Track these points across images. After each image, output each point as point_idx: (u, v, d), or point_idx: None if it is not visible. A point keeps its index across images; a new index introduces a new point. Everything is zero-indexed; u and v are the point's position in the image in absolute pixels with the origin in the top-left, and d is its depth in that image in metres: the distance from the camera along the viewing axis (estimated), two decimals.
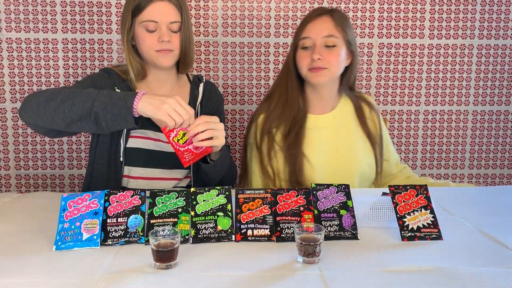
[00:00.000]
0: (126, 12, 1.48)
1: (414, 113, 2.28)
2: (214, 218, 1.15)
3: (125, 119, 1.22)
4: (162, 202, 1.17)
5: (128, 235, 1.12)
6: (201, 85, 1.61)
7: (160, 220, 1.14)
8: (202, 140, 1.25)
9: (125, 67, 1.54)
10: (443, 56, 2.24)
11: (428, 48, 2.23)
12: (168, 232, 1.03)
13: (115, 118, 1.22)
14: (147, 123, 1.51)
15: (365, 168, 1.61)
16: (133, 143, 1.49)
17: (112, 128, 1.25)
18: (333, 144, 1.59)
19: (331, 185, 1.22)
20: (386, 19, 2.19)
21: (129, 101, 1.21)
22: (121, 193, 1.17)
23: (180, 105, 1.21)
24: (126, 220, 1.13)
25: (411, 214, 1.18)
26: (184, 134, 1.25)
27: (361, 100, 1.66)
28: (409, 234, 1.15)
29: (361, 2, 2.17)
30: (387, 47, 2.21)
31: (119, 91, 1.49)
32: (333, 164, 1.58)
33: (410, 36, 2.21)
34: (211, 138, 1.27)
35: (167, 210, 1.16)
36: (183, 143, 1.26)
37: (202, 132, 1.25)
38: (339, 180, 1.51)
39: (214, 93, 1.65)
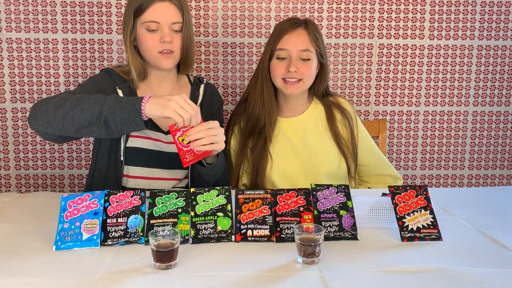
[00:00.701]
0: (128, 13, 1.48)
1: (414, 114, 2.28)
2: (214, 219, 1.16)
3: (134, 121, 1.23)
4: (162, 203, 1.17)
5: (128, 235, 1.12)
6: (202, 86, 1.62)
7: (160, 220, 1.14)
8: (202, 145, 1.26)
9: (126, 68, 1.55)
10: (443, 57, 2.24)
11: (428, 48, 2.23)
12: (168, 233, 1.03)
13: (125, 121, 1.23)
14: (148, 123, 1.52)
15: (333, 169, 1.63)
16: (132, 142, 1.49)
17: (121, 131, 1.26)
18: (299, 146, 1.63)
19: (331, 185, 1.22)
20: (386, 20, 2.19)
21: (137, 104, 1.23)
22: (121, 193, 1.17)
23: (185, 101, 1.22)
24: (126, 220, 1.14)
25: (411, 214, 1.18)
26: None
27: (333, 105, 1.68)
28: (409, 234, 1.15)
29: (361, 2, 2.17)
30: (387, 47, 2.21)
31: (120, 91, 1.50)
32: (297, 165, 1.62)
33: (410, 36, 2.21)
34: (211, 144, 1.27)
35: (167, 211, 1.16)
36: (187, 143, 1.26)
37: (202, 138, 1.25)
38: (305, 179, 1.61)
39: (214, 95, 1.65)
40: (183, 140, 1.26)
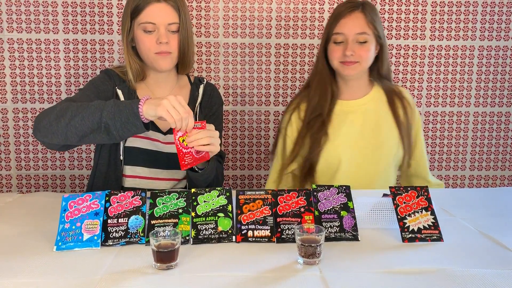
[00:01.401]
0: (125, 14, 1.49)
1: None
2: (214, 219, 1.15)
3: (134, 124, 1.23)
4: (163, 203, 1.17)
5: (128, 236, 1.12)
6: (201, 86, 1.62)
7: (161, 221, 1.14)
8: (202, 145, 1.26)
9: (125, 68, 1.55)
10: (444, 57, 2.24)
11: (429, 49, 2.23)
12: (168, 233, 1.03)
13: (125, 125, 1.23)
14: (149, 125, 1.52)
15: (391, 155, 1.64)
16: (131, 142, 1.50)
17: (123, 135, 1.27)
18: (359, 129, 1.64)
19: (332, 186, 1.22)
20: (387, 21, 2.19)
21: (135, 107, 1.23)
22: (122, 193, 1.17)
23: (179, 102, 1.22)
24: (126, 221, 1.14)
25: (412, 215, 1.18)
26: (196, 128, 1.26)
27: (394, 92, 1.68)
28: (410, 235, 1.15)
29: None
30: (388, 48, 2.21)
31: (120, 91, 1.50)
32: (356, 148, 1.62)
33: (411, 37, 2.21)
34: (208, 145, 1.27)
35: (167, 211, 1.16)
36: (186, 145, 1.26)
37: (202, 138, 1.26)
38: (362, 165, 1.62)
39: (214, 95, 1.65)
40: (183, 141, 1.26)
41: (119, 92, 1.50)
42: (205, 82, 1.64)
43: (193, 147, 1.26)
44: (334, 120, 1.64)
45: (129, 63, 1.51)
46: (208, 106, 1.62)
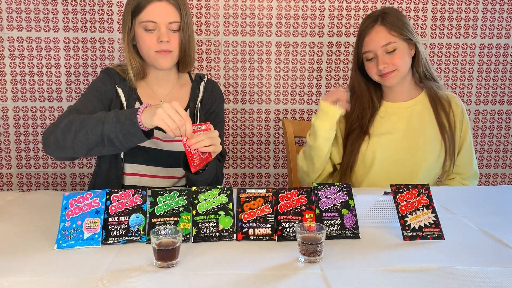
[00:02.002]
0: (126, 12, 1.49)
1: None
2: (215, 217, 1.15)
3: (136, 136, 1.25)
4: (164, 201, 1.17)
5: (129, 234, 1.12)
6: (202, 84, 1.62)
7: (162, 219, 1.14)
8: (205, 146, 1.26)
9: (125, 66, 1.55)
10: (445, 55, 2.24)
11: (430, 47, 2.22)
12: (169, 231, 1.03)
13: (127, 137, 1.25)
14: (151, 132, 1.52)
15: (431, 159, 1.65)
16: None
17: (128, 146, 1.29)
18: (401, 130, 1.66)
19: (333, 184, 1.22)
20: None
21: (134, 118, 1.23)
22: (123, 191, 1.17)
23: (175, 110, 1.20)
24: (127, 219, 1.13)
25: (413, 213, 1.17)
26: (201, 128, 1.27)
27: (439, 99, 1.68)
28: (411, 233, 1.15)
29: (363, 1, 2.16)
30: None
31: (120, 89, 1.50)
32: (394, 149, 1.65)
33: None
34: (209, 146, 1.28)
35: (168, 209, 1.16)
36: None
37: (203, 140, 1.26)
38: (397, 166, 1.64)
39: (214, 91, 1.65)
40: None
41: (120, 90, 1.50)
42: (206, 79, 1.64)
43: (197, 148, 1.26)
44: (377, 120, 1.67)
45: (130, 62, 1.51)
46: (208, 103, 1.62)
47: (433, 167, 1.67)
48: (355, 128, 1.67)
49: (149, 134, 1.28)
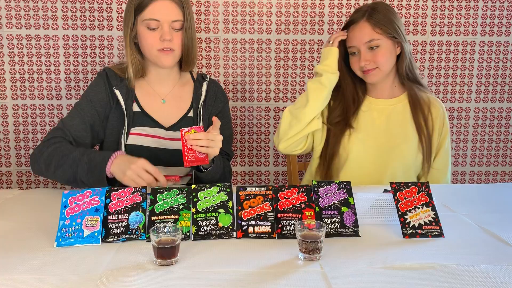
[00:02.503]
0: (128, 10, 1.48)
1: None
2: (215, 215, 1.15)
3: (104, 183, 1.31)
4: (163, 199, 1.17)
5: (129, 232, 1.12)
6: (205, 84, 1.61)
7: (161, 217, 1.14)
8: (200, 146, 1.30)
9: (124, 65, 1.55)
10: (445, 53, 2.24)
11: (430, 45, 2.22)
12: (169, 229, 1.03)
13: (96, 183, 1.31)
14: (147, 120, 1.52)
15: (408, 159, 1.64)
16: (132, 140, 1.50)
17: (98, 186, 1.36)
18: (380, 128, 1.65)
19: (333, 182, 1.22)
20: None
21: (103, 169, 1.30)
22: (122, 189, 1.17)
23: (143, 169, 1.27)
24: (127, 217, 1.13)
25: (413, 211, 1.17)
26: (194, 132, 1.29)
27: (419, 101, 1.67)
28: (411, 231, 1.15)
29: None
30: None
31: (118, 91, 1.49)
32: (369, 145, 1.64)
33: (412, 33, 2.20)
34: (206, 147, 1.31)
35: (168, 207, 1.16)
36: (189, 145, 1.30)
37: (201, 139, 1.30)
38: (371, 163, 1.63)
39: (219, 93, 1.64)
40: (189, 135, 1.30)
41: (117, 92, 1.50)
42: (208, 79, 1.63)
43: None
44: (360, 114, 1.67)
45: (130, 60, 1.51)
46: (214, 106, 1.62)
47: (410, 166, 1.65)
48: (339, 121, 1.66)
49: (113, 181, 1.34)
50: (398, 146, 1.63)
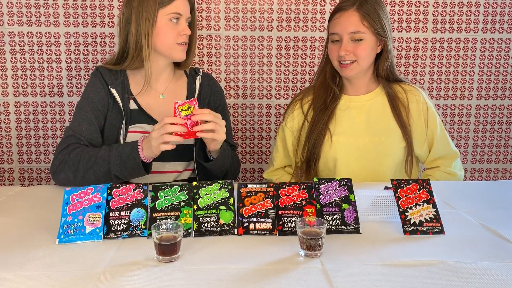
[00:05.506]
0: (149, 5, 1.47)
1: None
2: (216, 212, 1.16)
3: (139, 173, 1.37)
4: (165, 196, 1.17)
5: (130, 229, 1.12)
6: (198, 78, 1.62)
7: (163, 214, 1.14)
8: (205, 131, 1.29)
9: (113, 60, 1.55)
10: (446, 50, 2.23)
11: (431, 42, 2.22)
12: (170, 226, 1.03)
13: (130, 174, 1.37)
14: (144, 118, 1.52)
15: (396, 153, 1.60)
16: (131, 137, 1.50)
17: (133, 178, 1.42)
18: (361, 125, 1.61)
19: (334, 179, 1.22)
20: (390, 13, 2.18)
21: (136, 158, 1.34)
22: (124, 186, 1.17)
23: (158, 129, 1.29)
24: (128, 214, 1.14)
25: (414, 208, 1.18)
26: (188, 107, 1.28)
27: (399, 91, 1.63)
28: (411, 228, 1.15)
29: None
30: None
31: (114, 90, 1.49)
32: (355, 144, 1.60)
33: (413, 30, 2.20)
34: (212, 131, 1.30)
35: (169, 204, 1.16)
36: (184, 116, 1.28)
37: (207, 122, 1.29)
38: (361, 161, 1.60)
39: (213, 86, 1.65)
40: (182, 110, 1.28)
41: (114, 91, 1.50)
42: (201, 73, 1.64)
43: (189, 119, 1.28)
44: (337, 115, 1.62)
45: (145, 53, 1.49)
46: (211, 101, 1.63)
47: (401, 160, 1.61)
48: (320, 114, 1.62)
49: (149, 168, 1.39)
50: (384, 141, 1.59)
